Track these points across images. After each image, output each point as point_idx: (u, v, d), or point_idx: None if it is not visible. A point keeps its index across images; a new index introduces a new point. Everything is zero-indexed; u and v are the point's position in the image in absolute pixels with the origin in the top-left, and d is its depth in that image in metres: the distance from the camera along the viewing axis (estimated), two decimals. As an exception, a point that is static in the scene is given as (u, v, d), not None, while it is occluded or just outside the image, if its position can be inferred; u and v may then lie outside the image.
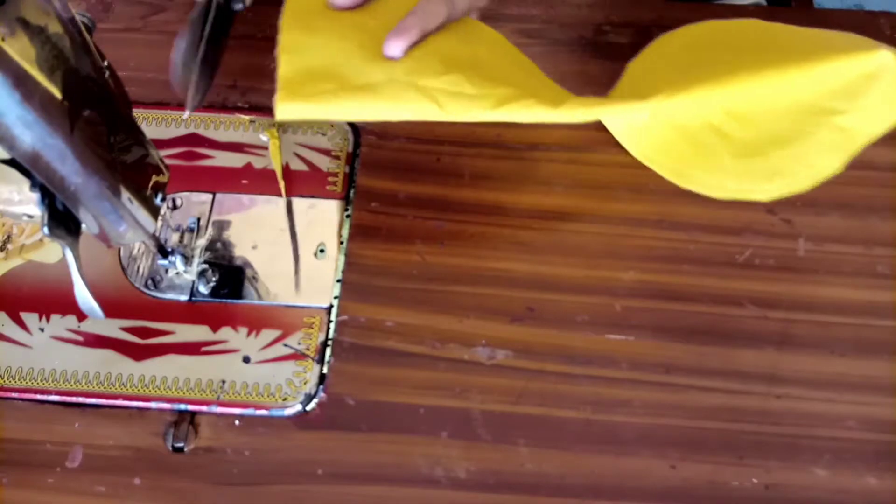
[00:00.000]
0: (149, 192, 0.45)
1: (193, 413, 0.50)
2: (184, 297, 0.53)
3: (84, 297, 0.45)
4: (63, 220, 0.42)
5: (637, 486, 0.48)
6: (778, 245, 0.54)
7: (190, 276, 0.54)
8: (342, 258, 0.54)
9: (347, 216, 0.56)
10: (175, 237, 0.55)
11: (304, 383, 0.50)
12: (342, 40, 0.50)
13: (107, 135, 0.41)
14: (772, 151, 0.54)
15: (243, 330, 0.52)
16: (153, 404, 0.50)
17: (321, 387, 0.50)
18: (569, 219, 0.56)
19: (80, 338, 0.52)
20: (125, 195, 0.42)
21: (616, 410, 0.50)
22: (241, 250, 0.55)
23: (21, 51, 0.34)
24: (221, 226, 0.56)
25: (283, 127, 0.59)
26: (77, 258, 0.43)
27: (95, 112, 0.39)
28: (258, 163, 0.58)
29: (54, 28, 0.36)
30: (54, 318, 0.53)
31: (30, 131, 0.36)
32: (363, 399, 0.50)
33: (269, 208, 0.56)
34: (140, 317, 0.53)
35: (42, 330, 0.52)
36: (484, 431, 0.49)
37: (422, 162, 0.57)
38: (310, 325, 0.52)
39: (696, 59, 0.58)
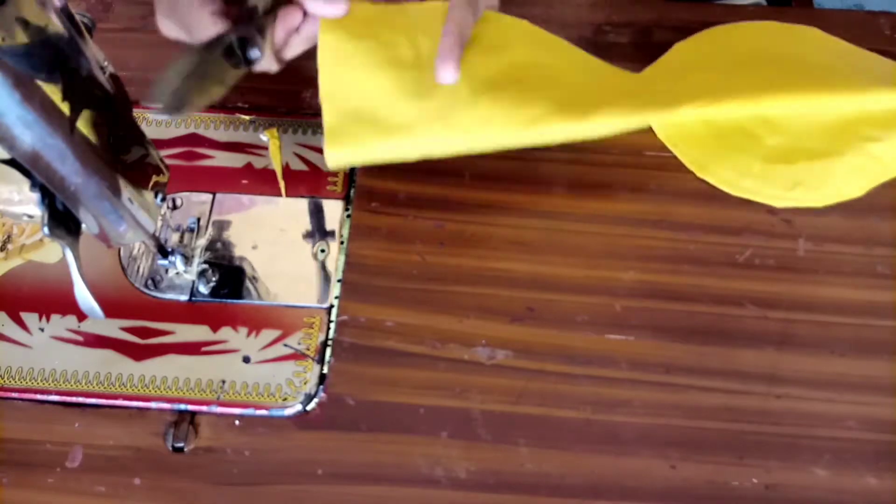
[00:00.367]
0: (149, 192, 0.45)
1: (193, 413, 0.50)
2: (184, 297, 0.53)
3: (84, 297, 0.45)
4: (63, 220, 0.42)
5: (637, 486, 0.48)
6: (778, 245, 0.54)
7: (190, 276, 0.54)
8: (342, 258, 0.54)
9: (347, 216, 0.56)
10: (175, 237, 0.55)
11: (304, 383, 0.50)
12: (379, 77, 0.50)
13: (107, 135, 0.41)
14: (798, 162, 0.54)
15: (243, 330, 0.52)
16: (153, 404, 0.50)
17: (321, 387, 0.50)
18: (569, 219, 0.56)
19: (80, 338, 0.52)
20: (125, 195, 0.42)
21: (616, 410, 0.50)
22: (241, 250, 0.55)
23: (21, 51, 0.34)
24: (221, 226, 0.56)
25: (283, 127, 0.59)
26: (77, 258, 0.43)
27: (95, 112, 0.39)
28: (258, 163, 0.58)
29: (54, 28, 0.36)
30: (54, 318, 0.53)
31: (30, 131, 0.36)
32: (363, 399, 0.50)
33: (269, 208, 0.56)
34: (140, 317, 0.53)
35: (42, 330, 0.52)
36: (484, 431, 0.49)
37: (422, 162, 0.57)
38: (310, 325, 0.52)
39: (744, 61, 0.57)
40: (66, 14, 0.36)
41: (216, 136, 0.59)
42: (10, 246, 0.55)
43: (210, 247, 0.55)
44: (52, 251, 0.55)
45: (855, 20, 0.62)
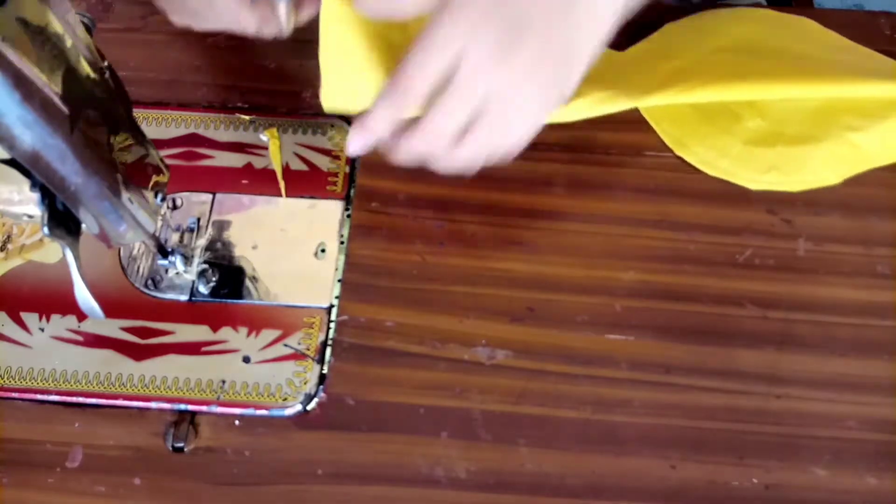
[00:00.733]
0: (149, 192, 0.45)
1: (193, 413, 0.50)
2: (184, 297, 0.53)
3: (84, 297, 0.45)
4: (63, 220, 0.42)
5: (637, 486, 0.48)
6: (778, 245, 0.54)
7: (190, 276, 0.54)
8: (342, 258, 0.54)
9: (347, 216, 0.56)
10: (175, 237, 0.55)
11: (304, 383, 0.50)
12: (377, 38, 0.49)
13: (107, 135, 0.41)
14: (777, 146, 0.54)
15: (243, 330, 0.52)
16: (153, 404, 0.50)
17: (321, 387, 0.50)
18: (569, 219, 0.56)
19: (80, 338, 0.52)
20: (125, 195, 0.42)
21: (616, 410, 0.50)
22: (241, 250, 0.55)
23: (21, 51, 0.34)
24: (221, 226, 0.56)
25: (283, 127, 0.59)
26: (77, 258, 0.43)
27: (95, 112, 0.39)
28: (258, 163, 0.58)
29: (54, 28, 0.36)
30: (54, 318, 0.53)
31: (30, 131, 0.36)
32: (363, 399, 0.50)
33: (269, 208, 0.56)
34: (140, 317, 0.53)
35: (42, 330, 0.52)
36: (484, 431, 0.49)
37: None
38: (310, 325, 0.52)
39: (732, 46, 0.57)
40: (66, 14, 0.36)
41: (216, 136, 0.59)
42: (10, 246, 0.55)
43: (210, 247, 0.55)
44: (52, 251, 0.55)
45: (855, 20, 0.62)
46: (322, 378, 0.51)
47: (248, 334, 0.52)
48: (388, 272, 0.54)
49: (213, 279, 0.53)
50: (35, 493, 0.48)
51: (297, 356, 0.51)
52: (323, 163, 0.58)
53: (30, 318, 0.53)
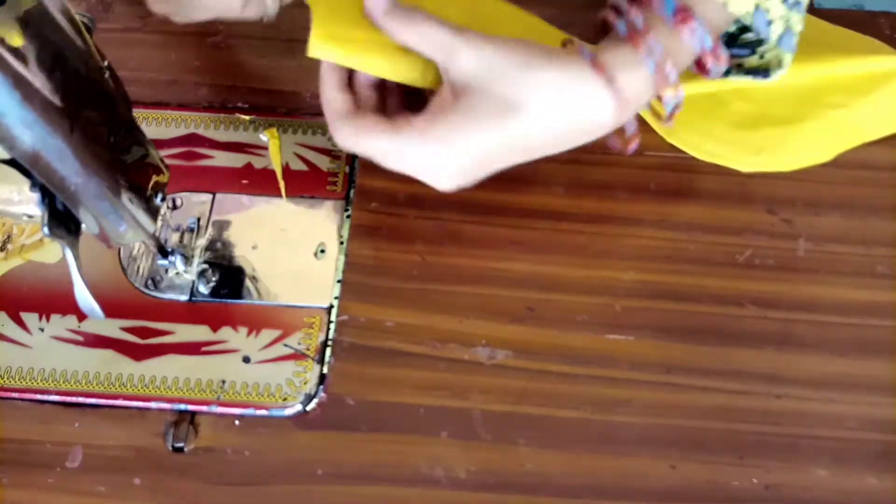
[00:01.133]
0: (149, 192, 0.45)
1: (193, 413, 0.50)
2: (184, 297, 0.53)
3: (84, 297, 0.45)
4: (63, 220, 0.42)
5: (637, 486, 0.48)
6: (778, 245, 0.54)
7: (190, 276, 0.54)
8: (342, 258, 0.54)
9: (347, 216, 0.56)
10: (175, 237, 0.55)
11: (304, 383, 0.50)
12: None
13: (107, 135, 0.41)
14: (763, 128, 0.54)
15: (243, 330, 0.52)
16: (153, 404, 0.50)
17: (321, 387, 0.50)
18: (569, 219, 0.56)
19: (80, 338, 0.52)
20: (125, 195, 0.42)
21: (616, 410, 0.50)
22: (241, 250, 0.55)
23: (21, 51, 0.34)
24: (221, 226, 0.56)
25: (283, 127, 0.59)
26: (77, 258, 0.43)
27: (95, 112, 0.39)
28: (258, 163, 0.58)
29: (54, 28, 0.36)
30: (54, 318, 0.53)
31: (30, 131, 0.36)
32: (363, 399, 0.50)
33: (269, 208, 0.56)
34: (140, 317, 0.53)
35: (42, 330, 0.52)
36: (484, 431, 0.49)
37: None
38: (310, 325, 0.52)
39: None
40: (65, 14, 0.36)
41: (216, 136, 0.59)
42: (10, 246, 0.55)
43: (210, 247, 0.55)
44: (52, 251, 0.55)
45: (855, 20, 0.62)
46: (322, 378, 0.51)
47: (248, 334, 0.52)
48: (388, 272, 0.54)
49: (213, 279, 0.53)
50: (35, 493, 0.48)
51: (297, 356, 0.51)
52: (323, 163, 0.58)
53: (30, 318, 0.53)
